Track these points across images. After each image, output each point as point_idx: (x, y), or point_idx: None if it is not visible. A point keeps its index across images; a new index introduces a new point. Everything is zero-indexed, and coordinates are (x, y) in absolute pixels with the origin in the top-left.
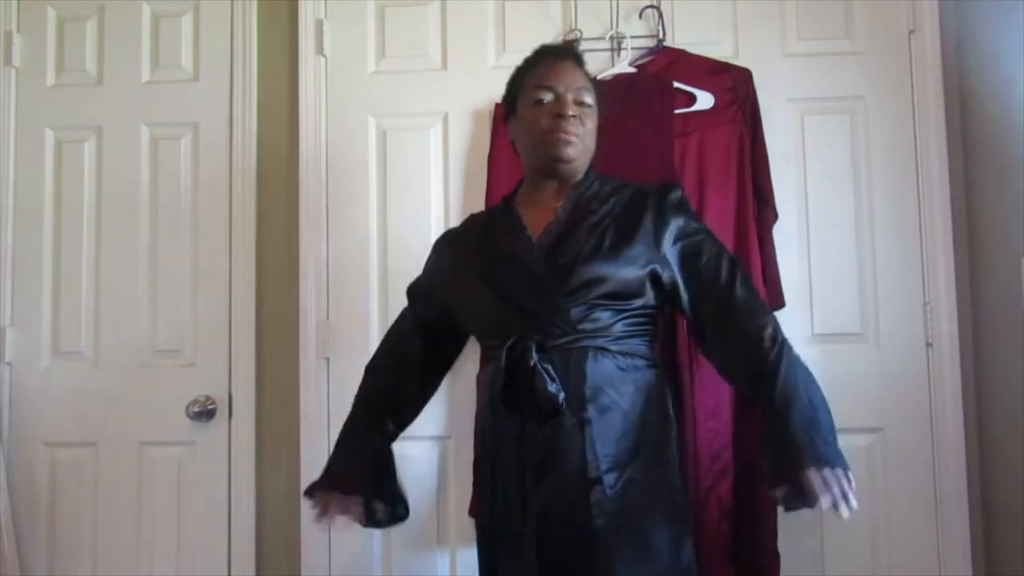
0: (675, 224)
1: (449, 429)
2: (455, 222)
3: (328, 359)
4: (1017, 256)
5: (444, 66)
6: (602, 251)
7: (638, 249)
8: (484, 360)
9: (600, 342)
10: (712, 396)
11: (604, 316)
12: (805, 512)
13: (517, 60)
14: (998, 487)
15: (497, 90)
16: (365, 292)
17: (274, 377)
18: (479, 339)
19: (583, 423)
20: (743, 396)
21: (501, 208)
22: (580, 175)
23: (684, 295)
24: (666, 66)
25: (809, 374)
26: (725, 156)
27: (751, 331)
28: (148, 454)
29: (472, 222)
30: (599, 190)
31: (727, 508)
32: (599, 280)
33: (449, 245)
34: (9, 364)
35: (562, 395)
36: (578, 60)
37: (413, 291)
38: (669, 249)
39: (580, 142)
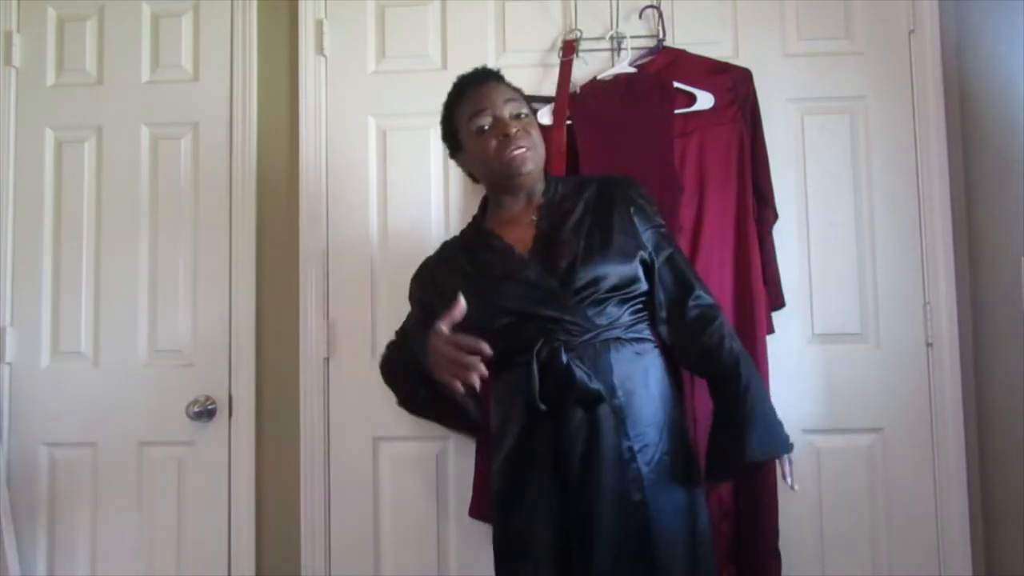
0: (644, 212)
1: (448, 429)
2: (455, 222)
3: (328, 359)
4: (1017, 256)
5: (444, 66)
6: (596, 249)
7: (625, 239)
8: (499, 368)
9: (615, 333)
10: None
11: (613, 309)
12: (805, 512)
13: (517, 60)
14: (998, 487)
15: None
16: (365, 292)
17: (274, 377)
18: (496, 350)
19: (615, 410)
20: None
21: (474, 230)
22: (542, 183)
23: (655, 279)
24: (666, 66)
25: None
26: (725, 156)
27: (707, 329)
28: (148, 454)
29: (449, 249)
30: (565, 191)
31: (727, 508)
32: (602, 278)
33: (432, 276)
34: (9, 364)
35: (602, 387)
36: (498, 78)
37: (403, 332)
38: (644, 233)
39: (533, 151)
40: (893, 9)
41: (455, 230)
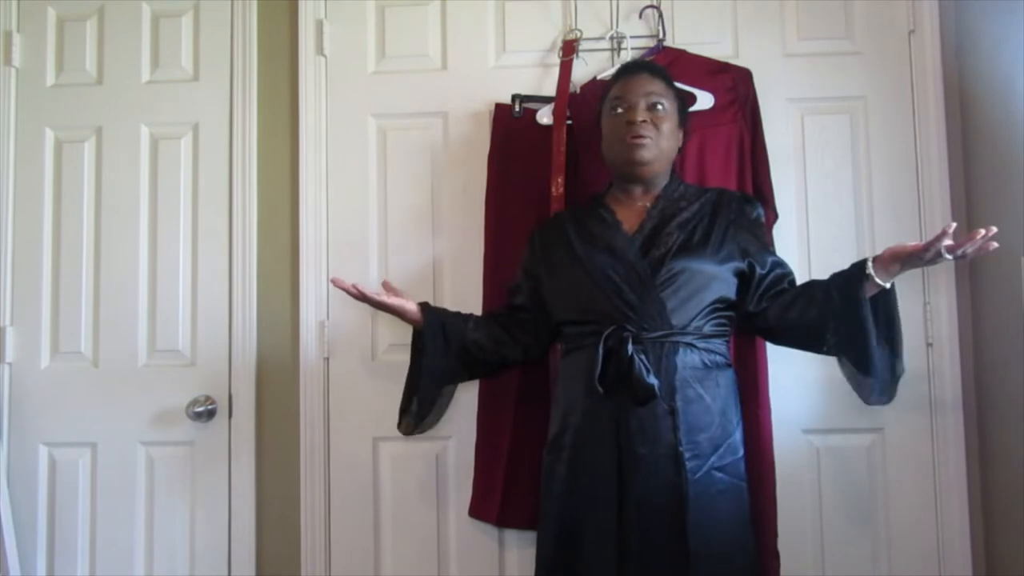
0: (752, 236)
1: (449, 429)
2: (454, 222)
3: (328, 359)
4: (1017, 256)
5: (444, 66)
6: (693, 245)
7: (723, 244)
8: (567, 347)
9: (689, 339)
10: None
11: (694, 314)
12: (805, 512)
13: (517, 60)
14: (998, 487)
15: (497, 90)
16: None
17: (274, 377)
18: (569, 325)
19: (673, 411)
20: (743, 397)
21: (591, 204)
22: (663, 179)
23: (757, 287)
24: (666, 66)
25: None
26: (725, 156)
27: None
28: (148, 454)
29: (561, 216)
30: (685, 192)
31: None
32: (689, 271)
33: (541, 238)
34: (9, 364)
35: (657, 384)
36: (653, 72)
37: (512, 287)
38: (749, 251)
39: (654, 144)
40: (893, 9)
41: (455, 230)
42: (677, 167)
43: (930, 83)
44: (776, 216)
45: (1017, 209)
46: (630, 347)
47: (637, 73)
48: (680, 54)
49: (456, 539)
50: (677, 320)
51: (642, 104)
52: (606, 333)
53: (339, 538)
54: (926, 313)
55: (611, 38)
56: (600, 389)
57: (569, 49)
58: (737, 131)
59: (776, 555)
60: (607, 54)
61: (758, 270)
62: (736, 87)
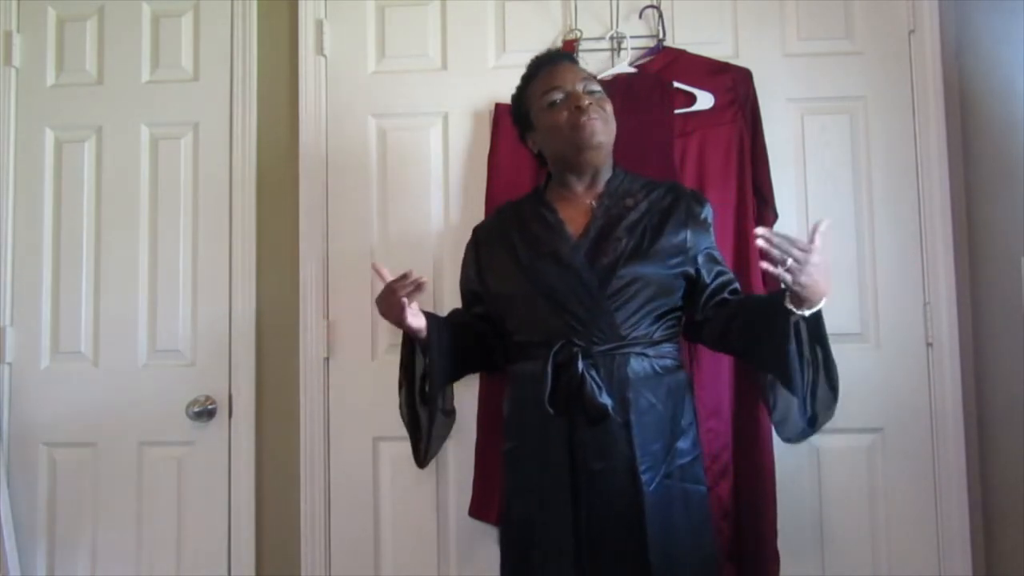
0: (701, 238)
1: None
2: (455, 222)
3: (328, 359)
4: (1017, 256)
5: (444, 66)
6: (642, 252)
7: (674, 249)
8: (517, 354)
9: (639, 348)
10: (712, 396)
11: (644, 322)
12: (805, 512)
13: (517, 60)
14: (998, 487)
15: (497, 90)
16: (365, 292)
17: (274, 377)
18: (516, 334)
19: (628, 424)
20: (742, 397)
21: (533, 200)
22: (607, 171)
23: (702, 295)
24: (666, 66)
25: None
26: (725, 156)
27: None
28: (148, 454)
29: (503, 213)
30: (630, 187)
31: (727, 508)
32: (641, 280)
33: (485, 242)
34: (9, 364)
35: (611, 403)
36: (571, 59)
37: (462, 294)
38: (696, 251)
39: (605, 124)
40: (893, 9)
41: (455, 230)
42: (677, 166)
43: (930, 83)
44: (776, 216)
45: (1017, 209)
46: (580, 364)
47: (558, 61)
48: (680, 54)
49: (456, 539)
50: (627, 330)
51: (580, 88)
52: (555, 349)
53: (339, 538)
54: (926, 313)
55: (611, 38)
56: (551, 410)
57: (569, 49)
58: (737, 131)
59: (776, 555)
60: (607, 54)
61: (705, 277)
62: (736, 87)
